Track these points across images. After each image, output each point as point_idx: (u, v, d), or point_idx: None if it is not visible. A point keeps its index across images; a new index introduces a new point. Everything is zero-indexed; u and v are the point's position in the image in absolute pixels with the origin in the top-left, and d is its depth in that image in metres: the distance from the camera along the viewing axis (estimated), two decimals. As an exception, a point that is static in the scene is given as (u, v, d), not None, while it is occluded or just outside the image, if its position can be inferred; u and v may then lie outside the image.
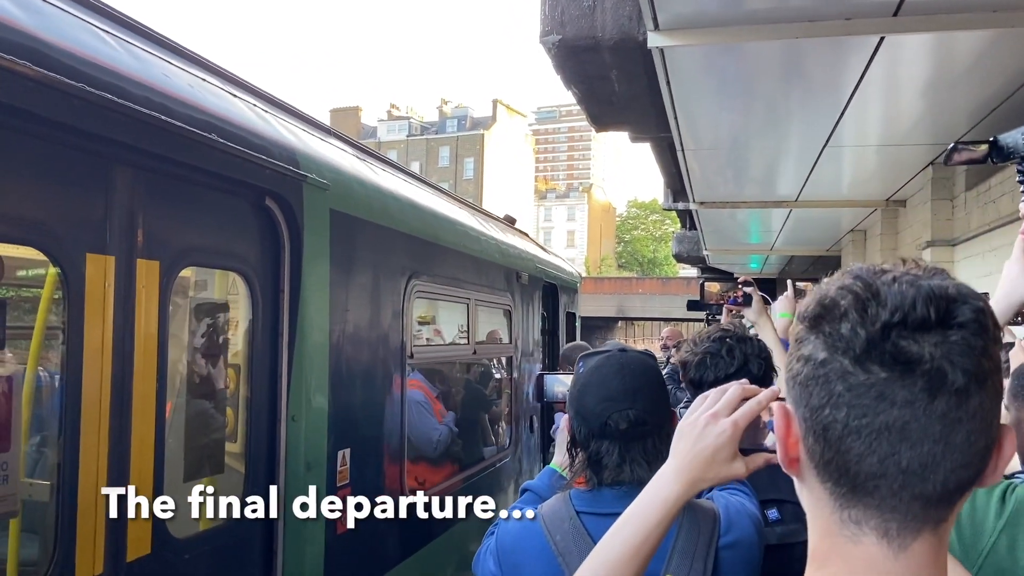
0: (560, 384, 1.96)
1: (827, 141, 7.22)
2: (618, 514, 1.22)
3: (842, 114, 6.29)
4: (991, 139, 1.70)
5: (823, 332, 0.73)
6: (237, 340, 2.67)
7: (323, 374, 2.91)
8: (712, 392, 1.13)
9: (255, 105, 2.80)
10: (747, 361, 2.21)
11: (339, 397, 3.01)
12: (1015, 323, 2.79)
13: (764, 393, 1.10)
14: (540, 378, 2.07)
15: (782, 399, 1.06)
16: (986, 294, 1.57)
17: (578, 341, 6.80)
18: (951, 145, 1.71)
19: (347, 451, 3.06)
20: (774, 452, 1.05)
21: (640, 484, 1.51)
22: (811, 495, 0.78)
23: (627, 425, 1.51)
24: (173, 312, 2.32)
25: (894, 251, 10.44)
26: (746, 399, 1.11)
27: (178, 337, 2.40)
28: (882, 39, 4.60)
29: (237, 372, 2.67)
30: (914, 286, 0.69)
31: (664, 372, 2.60)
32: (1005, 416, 2.00)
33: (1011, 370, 2.07)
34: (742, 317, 3.50)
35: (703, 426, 1.09)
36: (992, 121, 5.83)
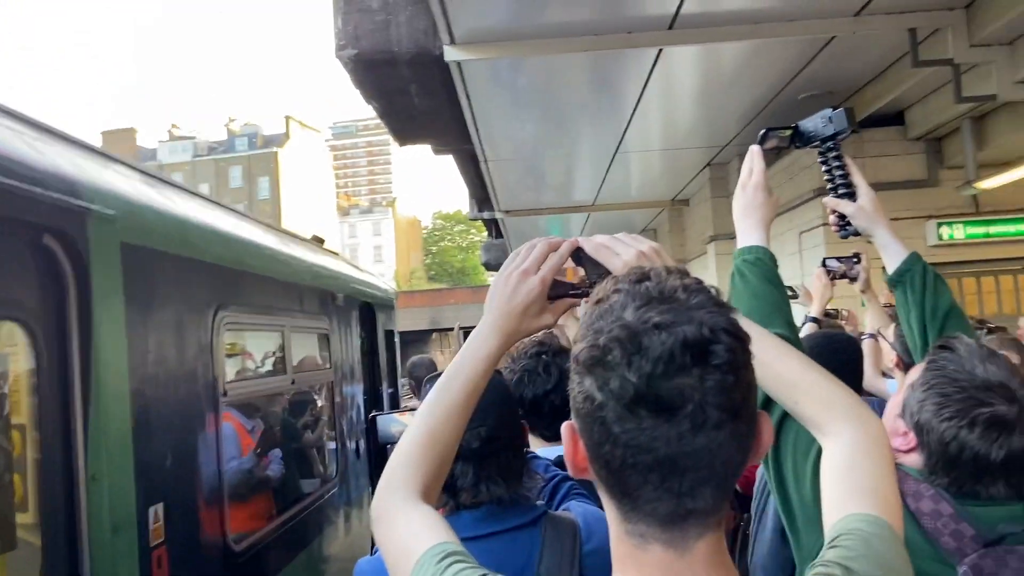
0: (396, 424, 1.89)
1: (617, 147, 7.68)
2: (481, 537, 1.19)
3: (629, 122, 6.72)
4: (793, 126, 1.85)
5: (597, 377, 0.79)
6: (20, 397, 2.36)
7: (125, 425, 2.64)
8: (522, 248, 1.20)
9: (22, 133, 2.49)
10: (563, 376, 2.15)
11: (146, 448, 2.75)
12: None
13: (564, 246, 1.19)
14: (372, 420, 1.98)
15: (577, 291, 1.13)
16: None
17: (423, 356, 6.85)
18: (763, 131, 1.83)
19: (159, 506, 2.80)
20: (578, 297, 1.17)
21: (499, 502, 1.50)
22: (604, 503, 0.86)
23: (479, 443, 1.50)
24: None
25: (682, 247, 11.32)
26: (552, 253, 1.19)
27: (-56, 402, 2.08)
28: (660, 51, 4.97)
29: (23, 432, 2.35)
30: (673, 333, 0.77)
31: None
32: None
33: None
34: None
35: (515, 283, 1.15)
36: (758, 124, 6.48)
